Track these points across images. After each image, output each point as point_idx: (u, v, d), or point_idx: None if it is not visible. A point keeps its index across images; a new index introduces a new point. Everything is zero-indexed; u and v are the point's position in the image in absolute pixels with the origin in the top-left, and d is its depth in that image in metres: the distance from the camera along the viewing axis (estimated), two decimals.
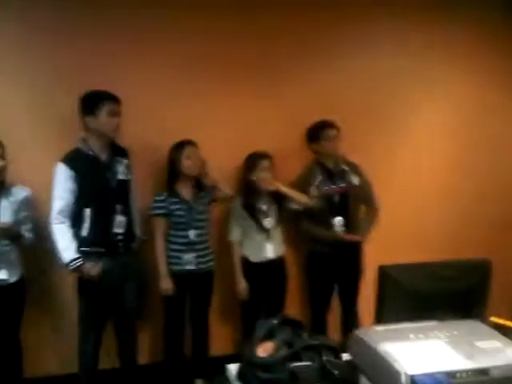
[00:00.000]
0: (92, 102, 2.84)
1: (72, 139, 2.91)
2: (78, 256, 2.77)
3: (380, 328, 1.24)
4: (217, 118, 3.42)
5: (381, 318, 1.56)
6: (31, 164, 3.04)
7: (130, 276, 2.95)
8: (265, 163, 3.22)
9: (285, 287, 3.38)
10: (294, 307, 3.48)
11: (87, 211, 2.81)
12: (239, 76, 3.45)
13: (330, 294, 3.46)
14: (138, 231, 3.08)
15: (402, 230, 3.77)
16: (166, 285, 3.07)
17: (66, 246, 2.77)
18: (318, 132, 3.40)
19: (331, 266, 3.36)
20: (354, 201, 3.39)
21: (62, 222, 2.79)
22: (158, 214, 3.10)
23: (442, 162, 3.94)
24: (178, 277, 3.10)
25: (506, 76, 4.02)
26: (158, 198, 3.11)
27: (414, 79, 3.82)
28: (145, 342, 3.36)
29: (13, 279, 2.80)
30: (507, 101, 4.05)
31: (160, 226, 3.10)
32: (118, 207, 2.89)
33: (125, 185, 2.96)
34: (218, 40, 3.37)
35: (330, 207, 3.34)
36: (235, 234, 3.28)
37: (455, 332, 1.20)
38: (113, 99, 2.87)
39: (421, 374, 1.03)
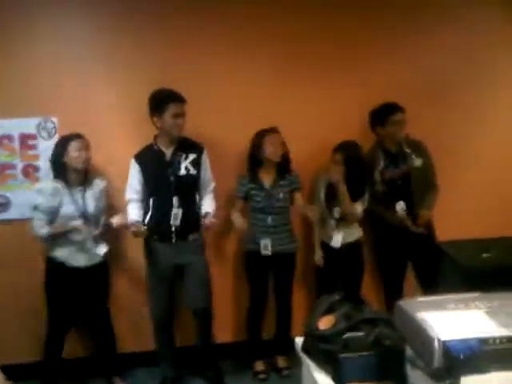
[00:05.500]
0: (157, 104, 3.00)
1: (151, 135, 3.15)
2: (137, 219, 3.06)
3: (422, 298, 1.29)
4: (296, 107, 3.52)
5: (436, 291, 1.60)
6: (110, 157, 3.31)
7: (185, 263, 3.13)
8: (337, 156, 3.21)
9: (361, 270, 3.42)
10: (368, 288, 3.53)
11: (151, 201, 3.11)
12: (316, 70, 3.53)
13: (403, 273, 3.44)
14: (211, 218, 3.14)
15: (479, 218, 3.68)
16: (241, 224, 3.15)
17: (132, 213, 3.10)
18: (384, 116, 3.31)
19: (400, 245, 3.34)
20: (416, 183, 3.31)
21: (133, 203, 3.13)
22: (237, 196, 3.31)
23: None
24: (260, 258, 3.25)
25: None
26: (240, 181, 3.31)
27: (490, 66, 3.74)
28: (229, 321, 3.59)
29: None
30: None
31: (237, 205, 3.30)
32: (175, 200, 3.08)
33: (187, 180, 3.11)
34: (298, 39, 3.49)
35: (393, 191, 3.30)
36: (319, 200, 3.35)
37: (495, 303, 1.22)
38: (178, 100, 2.99)
39: (453, 340, 1.09)
